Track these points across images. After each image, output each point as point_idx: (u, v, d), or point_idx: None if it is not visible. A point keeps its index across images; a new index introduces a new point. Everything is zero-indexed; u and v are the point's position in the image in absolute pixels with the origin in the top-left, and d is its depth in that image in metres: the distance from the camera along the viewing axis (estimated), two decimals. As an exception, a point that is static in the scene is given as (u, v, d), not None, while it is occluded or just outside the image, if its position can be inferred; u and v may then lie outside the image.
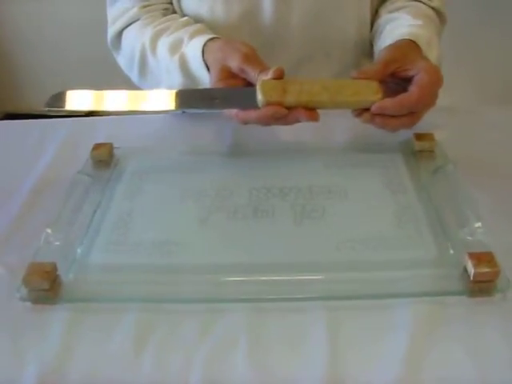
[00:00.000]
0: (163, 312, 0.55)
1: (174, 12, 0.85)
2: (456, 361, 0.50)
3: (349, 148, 0.74)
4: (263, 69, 0.65)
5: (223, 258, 0.58)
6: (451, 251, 0.58)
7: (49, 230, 0.61)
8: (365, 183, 0.67)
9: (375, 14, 0.88)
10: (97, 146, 0.73)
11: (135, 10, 0.82)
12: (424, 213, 0.63)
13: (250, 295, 0.55)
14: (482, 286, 0.54)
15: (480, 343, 0.51)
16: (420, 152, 0.72)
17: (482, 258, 0.55)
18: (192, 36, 0.75)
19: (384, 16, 0.85)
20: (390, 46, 0.72)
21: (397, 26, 0.78)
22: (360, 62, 0.91)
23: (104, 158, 0.73)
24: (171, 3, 0.85)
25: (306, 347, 0.51)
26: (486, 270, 0.54)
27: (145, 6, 0.83)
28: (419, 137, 0.72)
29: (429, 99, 0.67)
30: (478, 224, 0.60)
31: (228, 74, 0.67)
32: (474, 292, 0.54)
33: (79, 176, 0.69)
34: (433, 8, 0.84)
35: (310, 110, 0.64)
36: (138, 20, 0.82)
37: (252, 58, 0.67)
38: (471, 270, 0.54)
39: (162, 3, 0.84)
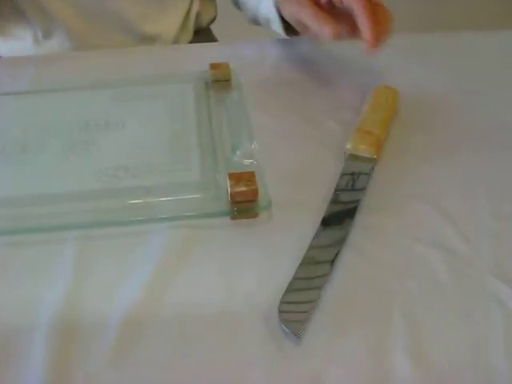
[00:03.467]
0: None
1: None
2: (207, 281, 0.49)
3: (142, 80, 0.70)
4: None
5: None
6: (217, 175, 0.56)
7: None
8: (146, 115, 0.65)
9: None
10: None
11: None
12: (199, 140, 0.61)
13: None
14: (243, 206, 0.53)
15: (236, 262, 0.50)
16: (215, 82, 0.69)
17: (242, 177, 0.53)
18: None
19: None
20: None
21: None
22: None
23: None
24: None
25: (51, 274, 0.50)
26: (243, 188, 0.53)
27: None
28: (214, 66, 0.70)
29: None
30: (251, 146, 0.58)
31: None
32: (237, 212, 0.53)
33: None
34: None
35: None
36: None
37: None
38: (229, 190, 0.53)
39: None
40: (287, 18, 0.72)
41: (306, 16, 0.65)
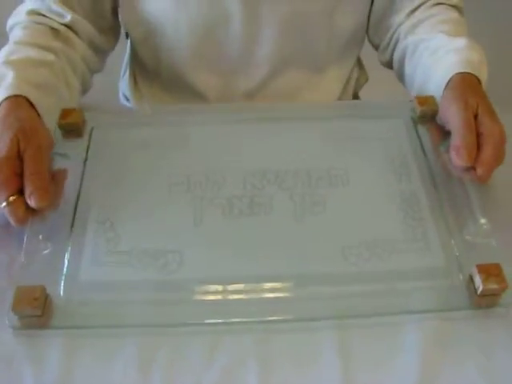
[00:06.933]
0: (167, 334, 0.52)
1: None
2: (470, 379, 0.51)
3: (346, 114, 0.68)
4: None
5: (224, 271, 0.55)
6: (457, 254, 0.56)
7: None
8: (366, 163, 0.63)
9: (384, 27, 0.82)
10: (66, 113, 0.64)
11: (24, 15, 0.70)
12: (428, 205, 0.59)
13: (257, 315, 0.53)
14: (487, 300, 0.54)
15: (491, 360, 0.52)
16: (422, 118, 0.67)
17: (491, 271, 0.54)
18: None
19: (410, 33, 0.77)
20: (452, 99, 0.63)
21: (439, 51, 0.70)
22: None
23: (75, 127, 0.64)
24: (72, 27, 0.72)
25: (317, 367, 0.51)
26: (495, 286, 0.53)
27: (34, 13, 0.70)
28: (421, 100, 0.67)
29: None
30: (484, 220, 0.58)
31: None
32: (480, 305, 0.54)
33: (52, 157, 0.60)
34: (454, 6, 0.77)
35: None
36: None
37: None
38: (479, 285, 0.53)
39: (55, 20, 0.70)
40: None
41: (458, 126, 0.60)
